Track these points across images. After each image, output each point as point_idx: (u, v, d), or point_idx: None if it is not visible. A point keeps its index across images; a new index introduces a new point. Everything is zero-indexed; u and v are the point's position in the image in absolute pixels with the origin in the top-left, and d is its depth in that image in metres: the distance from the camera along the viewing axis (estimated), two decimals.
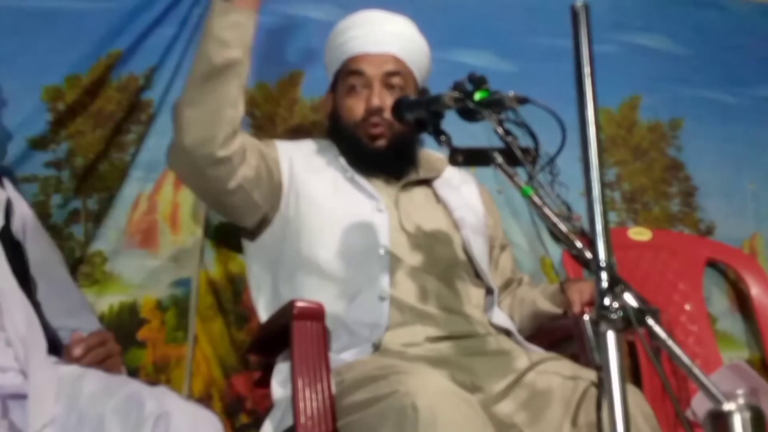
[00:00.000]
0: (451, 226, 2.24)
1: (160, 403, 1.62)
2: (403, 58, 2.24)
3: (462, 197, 2.32)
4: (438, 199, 2.29)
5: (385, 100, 2.19)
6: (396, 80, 2.22)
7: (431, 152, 2.37)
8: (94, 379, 1.74)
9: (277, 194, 2.19)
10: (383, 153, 2.22)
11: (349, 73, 2.23)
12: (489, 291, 2.22)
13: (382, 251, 2.11)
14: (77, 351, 1.82)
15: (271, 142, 2.26)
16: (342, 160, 2.25)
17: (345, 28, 2.27)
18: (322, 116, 2.46)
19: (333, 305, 2.03)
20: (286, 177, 2.20)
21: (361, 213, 2.16)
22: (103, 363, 1.84)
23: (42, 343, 1.80)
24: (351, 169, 2.24)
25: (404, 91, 2.21)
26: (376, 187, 2.22)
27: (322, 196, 2.18)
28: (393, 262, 2.11)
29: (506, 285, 2.34)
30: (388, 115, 2.16)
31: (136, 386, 1.72)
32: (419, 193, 2.28)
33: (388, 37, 2.25)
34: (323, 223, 2.14)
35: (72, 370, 1.78)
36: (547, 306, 2.22)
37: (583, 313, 2.00)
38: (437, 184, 2.31)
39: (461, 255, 2.20)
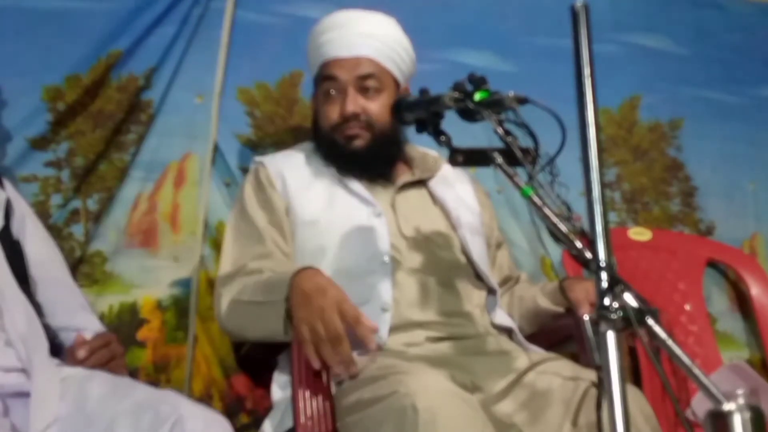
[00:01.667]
0: (449, 228, 2.23)
1: (174, 407, 1.62)
2: (378, 59, 2.22)
3: (458, 196, 2.32)
4: (434, 199, 2.28)
5: (359, 104, 2.19)
6: (370, 83, 2.20)
7: (426, 151, 2.36)
8: (101, 381, 1.74)
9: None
10: (361, 153, 2.20)
11: (324, 79, 2.22)
12: (490, 291, 2.22)
13: (386, 258, 2.10)
14: (81, 353, 1.82)
15: (268, 179, 2.22)
16: (332, 167, 2.25)
17: (320, 30, 2.25)
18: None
19: None
20: (287, 209, 2.19)
21: (358, 221, 2.15)
22: (106, 365, 1.84)
23: (44, 343, 1.80)
24: (342, 174, 2.23)
25: (380, 93, 2.20)
26: (371, 191, 2.21)
27: (317, 213, 2.17)
28: (394, 268, 2.11)
29: (504, 282, 2.34)
30: (364, 117, 2.18)
31: (145, 390, 1.72)
32: (415, 194, 2.27)
33: (360, 39, 2.22)
34: (322, 243, 2.13)
35: (77, 371, 1.78)
36: (548, 304, 2.21)
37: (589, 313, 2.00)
38: (433, 183, 2.30)
39: (461, 257, 2.20)
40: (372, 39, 2.22)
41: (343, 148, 2.20)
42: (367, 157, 2.20)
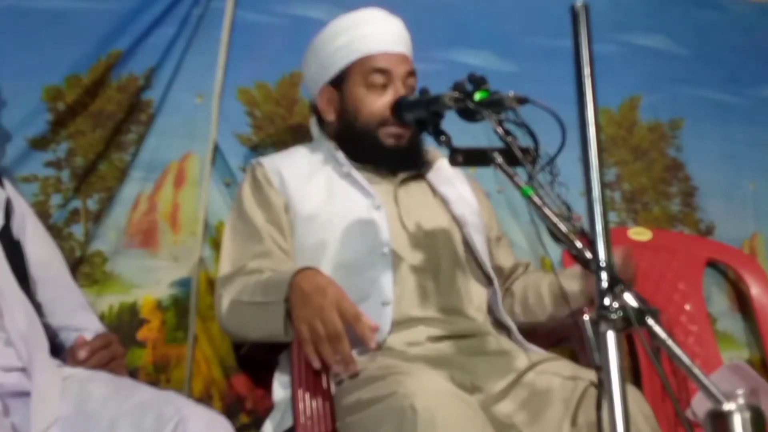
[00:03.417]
0: (451, 221, 2.23)
1: (177, 408, 1.62)
2: (411, 59, 2.25)
3: (457, 191, 2.32)
4: (435, 193, 2.28)
5: None
6: (411, 81, 2.21)
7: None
8: (103, 382, 1.74)
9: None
10: (403, 150, 2.20)
11: (371, 70, 2.20)
12: (491, 285, 2.21)
13: (385, 250, 2.10)
14: (82, 354, 1.82)
15: (265, 177, 2.21)
16: (340, 155, 2.23)
17: (355, 23, 2.24)
18: (326, 110, 2.30)
19: None
20: (286, 205, 2.19)
21: (358, 213, 2.15)
22: (107, 365, 1.84)
23: (44, 343, 1.80)
24: (348, 163, 2.22)
25: (414, 92, 2.19)
26: (373, 183, 2.20)
27: (316, 207, 2.16)
28: (395, 260, 2.10)
29: (512, 271, 2.32)
30: None
31: (147, 391, 1.72)
32: (416, 187, 2.27)
33: (399, 38, 2.24)
34: (323, 238, 2.13)
35: (79, 371, 1.78)
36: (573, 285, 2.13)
37: (583, 312, 2.00)
38: (432, 177, 2.30)
39: (462, 251, 2.20)
40: (406, 39, 2.26)
41: (385, 145, 2.19)
42: (407, 155, 2.22)
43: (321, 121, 2.31)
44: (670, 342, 1.42)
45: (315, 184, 2.20)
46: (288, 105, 2.56)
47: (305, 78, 2.37)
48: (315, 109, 2.32)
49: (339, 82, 2.24)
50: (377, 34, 2.22)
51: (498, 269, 2.31)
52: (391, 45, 2.22)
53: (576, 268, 2.14)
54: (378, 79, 2.19)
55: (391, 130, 2.18)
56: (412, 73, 2.22)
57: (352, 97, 2.22)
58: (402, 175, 2.25)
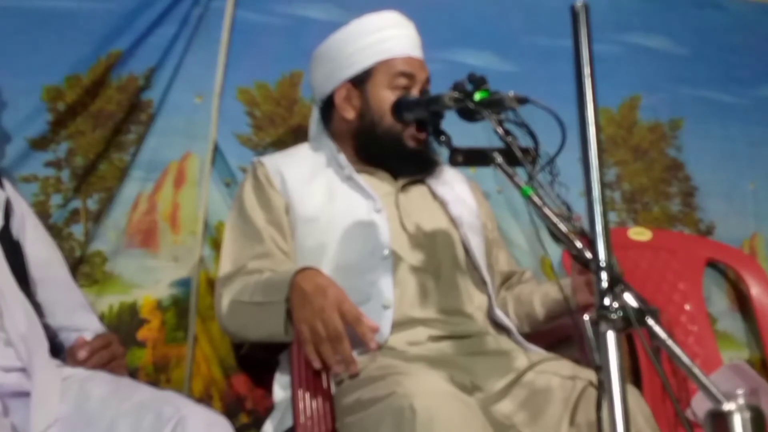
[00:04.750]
0: (450, 225, 2.23)
1: (176, 408, 1.62)
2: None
3: (455, 192, 2.32)
4: (435, 196, 2.28)
5: None
6: (427, 86, 2.22)
7: None
8: (102, 382, 1.74)
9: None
10: (422, 155, 2.21)
11: (397, 73, 2.19)
12: (488, 287, 2.21)
13: (386, 252, 2.10)
14: (82, 354, 1.82)
15: (267, 178, 2.21)
16: (341, 158, 2.24)
17: (382, 25, 2.24)
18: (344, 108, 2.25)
19: None
20: (287, 206, 2.19)
21: (359, 216, 2.15)
22: (107, 366, 1.84)
23: (44, 343, 1.80)
24: (349, 165, 2.22)
25: None
26: (374, 186, 2.21)
27: (317, 209, 2.16)
28: (395, 263, 2.10)
29: (507, 278, 2.33)
30: None
31: (147, 391, 1.73)
32: (416, 190, 2.27)
33: (419, 44, 2.25)
34: (323, 240, 2.13)
35: (78, 372, 1.78)
36: (543, 314, 2.20)
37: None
38: (432, 180, 2.30)
39: (461, 253, 2.20)
40: (421, 44, 2.26)
41: (405, 145, 2.18)
42: (426, 159, 2.23)
43: (326, 119, 2.31)
44: (670, 342, 1.42)
45: (316, 186, 2.20)
46: (288, 105, 2.56)
47: (314, 74, 2.33)
48: (325, 105, 2.30)
49: (360, 81, 2.22)
50: (403, 37, 2.23)
51: (493, 272, 2.31)
52: (415, 50, 2.24)
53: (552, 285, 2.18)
54: (402, 82, 2.19)
55: (413, 133, 2.17)
56: (428, 79, 2.23)
57: (377, 98, 2.20)
58: (403, 180, 2.25)
